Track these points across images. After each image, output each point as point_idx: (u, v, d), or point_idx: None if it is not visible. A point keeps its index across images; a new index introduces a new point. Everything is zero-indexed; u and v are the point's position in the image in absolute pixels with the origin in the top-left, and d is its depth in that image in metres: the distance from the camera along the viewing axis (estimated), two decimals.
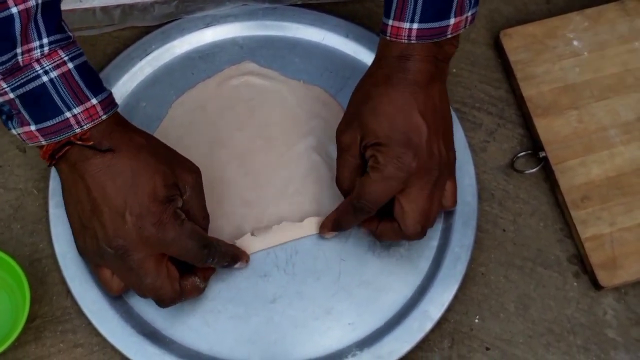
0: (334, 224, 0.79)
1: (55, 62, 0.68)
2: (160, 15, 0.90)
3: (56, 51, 0.68)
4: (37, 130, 0.69)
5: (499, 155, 0.88)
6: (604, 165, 0.86)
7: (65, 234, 0.80)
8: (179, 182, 0.73)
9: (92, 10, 0.88)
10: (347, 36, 0.91)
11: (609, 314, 0.82)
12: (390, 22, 0.72)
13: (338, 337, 0.78)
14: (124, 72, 0.88)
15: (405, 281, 0.80)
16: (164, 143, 0.76)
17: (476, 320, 0.81)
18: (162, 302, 0.73)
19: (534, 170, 0.87)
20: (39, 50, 0.67)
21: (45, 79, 0.68)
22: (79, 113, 0.69)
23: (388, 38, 0.73)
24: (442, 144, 0.74)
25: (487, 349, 0.80)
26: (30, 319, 0.78)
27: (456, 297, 0.80)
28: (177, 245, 0.72)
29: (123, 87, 0.87)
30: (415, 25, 0.71)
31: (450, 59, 0.76)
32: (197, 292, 0.76)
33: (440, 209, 0.77)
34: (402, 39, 0.72)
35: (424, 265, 0.81)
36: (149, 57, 0.89)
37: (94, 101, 0.69)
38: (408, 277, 0.81)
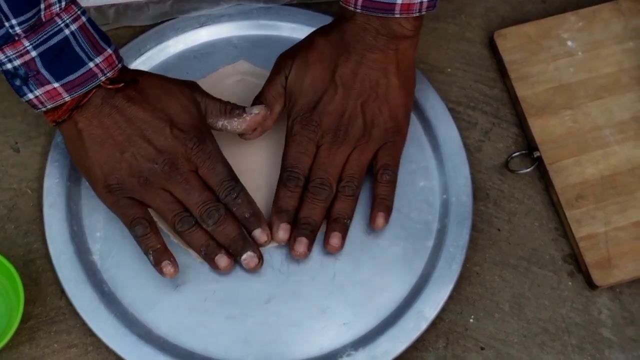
0: (278, 215, 0.79)
1: (72, 15, 0.71)
2: (155, 14, 0.90)
3: (70, 5, 0.71)
4: (62, 86, 0.71)
5: (493, 155, 0.88)
6: (598, 164, 0.86)
7: (60, 234, 0.80)
8: (196, 94, 0.79)
9: (87, 9, 0.88)
10: None
11: (603, 313, 0.82)
12: None
13: (333, 337, 0.78)
14: None
15: (400, 281, 0.80)
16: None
17: (471, 320, 0.81)
18: (210, 218, 0.76)
19: (528, 170, 0.87)
20: (57, 5, 0.70)
21: (67, 32, 0.71)
22: (100, 62, 0.72)
23: (341, 2, 0.78)
24: (359, 109, 0.79)
25: (482, 348, 0.81)
26: (24, 319, 0.78)
27: (451, 297, 0.80)
28: (211, 163, 0.76)
29: None
30: None
31: (404, 41, 0.79)
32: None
33: (364, 162, 0.80)
34: (349, 5, 0.77)
35: (419, 264, 0.81)
36: (143, 57, 0.89)
37: (110, 50, 0.74)
38: (403, 277, 0.81)
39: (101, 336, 0.77)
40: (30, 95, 0.71)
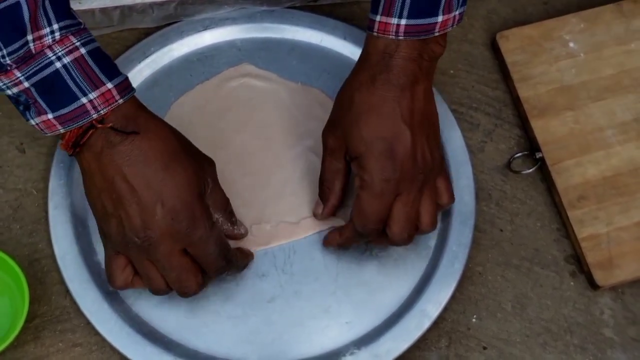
0: (340, 244, 0.79)
1: (67, 47, 0.68)
2: (159, 17, 0.91)
3: (67, 37, 0.68)
4: (55, 118, 0.68)
5: (496, 156, 0.89)
6: (600, 165, 0.86)
7: (65, 234, 0.81)
8: (204, 173, 0.73)
9: (91, 11, 0.89)
10: (345, 38, 0.91)
11: (605, 313, 0.82)
12: (378, 17, 0.72)
13: (335, 336, 0.78)
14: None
15: (402, 280, 0.81)
16: (181, 134, 0.75)
17: (473, 320, 0.82)
18: (186, 292, 0.73)
19: (530, 170, 0.87)
20: (50, 37, 0.67)
21: (58, 65, 0.67)
22: (95, 98, 0.68)
23: (375, 34, 0.73)
24: (426, 148, 0.74)
25: (485, 348, 0.81)
26: (29, 318, 0.78)
27: (453, 297, 0.80)
28: (202, 245, 0.71)
29: None
30: (403, 21, 0.71)
31: (437, 60, 0.75)
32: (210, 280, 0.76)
33: (436, 208, 0.76)
34: (389, 34, 0.72)
35: (422, 264, 0.82)
36: (148, 60, 0.90)
37: (110, 85, 0.69)
38: (405, 277, 0.81)
39: (105, 335, 0.77)
40: (32, 122, 0.70)
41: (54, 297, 0.81)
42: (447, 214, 0.83)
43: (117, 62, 0.88)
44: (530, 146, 0.89)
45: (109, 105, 0.69)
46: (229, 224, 0.77)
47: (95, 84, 0.68)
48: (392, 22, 0.71)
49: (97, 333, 0.78)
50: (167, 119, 0.86)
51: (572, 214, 0.84)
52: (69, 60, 0.67)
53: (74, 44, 0.68)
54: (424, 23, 0.71)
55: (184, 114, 0.87)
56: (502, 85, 0.92)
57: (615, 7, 0.93)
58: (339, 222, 0.82)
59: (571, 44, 0.92)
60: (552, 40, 0.92)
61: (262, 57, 0.91)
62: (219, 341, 0.78)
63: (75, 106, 0.68)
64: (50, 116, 0.68)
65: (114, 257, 0.73)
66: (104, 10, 0.89)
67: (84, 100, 0.68)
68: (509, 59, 0.91)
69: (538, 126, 0.88)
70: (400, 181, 0.72)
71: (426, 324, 0.78)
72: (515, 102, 0.91)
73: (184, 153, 0.72)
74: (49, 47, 0.67)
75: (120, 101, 0.69)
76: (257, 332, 0.78)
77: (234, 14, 0.92)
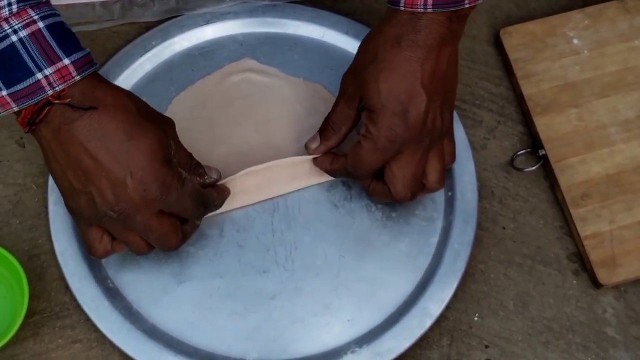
0: (325, 171, 0.80)
1: (24, 20, 0.65)
2: (160, 11, 0.90)
3: (25, 10, 0.65)
4: (9, 94, 0.66)
5: (498, 153, 0.88)
6: (604, 163, 0.86)
7: (65, 229, 0.80)
8: (167, 136, 0.72)
9: (92, 5, 0.88)
10: (347, 33, 0.91)
11: (608, 312, 0.82)
12: None
13: (337, 333, 0.78)
14: (123, 68, 0.88)
15: (404, 278, 0.80)
16: (140, 98, 0.73)
17: (475, 318, 0.81)
18: (168, 249, 0.74)
19: (533, 168, 0.87)
20: (7, 9, 0.65)
21: (14, 38, 0.65)
22: (50, 74, 0.65)
23: (402, 8, 0.71)
24: (438, 112, 0.74)
25: (486, 346, 0.80)
26: (29, 314, 0.77)
27: (455, 295, 0.80)
28: (178, 205, 0.71)
29: (123, 83, 0.87)
30: None
31: (466, 19, 0.74)
32: (195, 229, 0.77)
33: (444, 167, 0.77)
34: (417, 7, 0.70)
35: (424, 262, 0.81)
36: (149, 54, 0.89)
37: (67, 61, 0.66)
38: (407, 274, 0.81)
39: (105, 332, 0.77)
40: None
41: (54, 293, 0.80)
42: (449, 211, 0.83)
43: (118, 56, 0.88)
44: (533, 143, 0.88)
45: (65, 81, 0.66)
46: (198, 178, 0.76)
47: (52, 59, 0.66)
48: None
49: (96, 329, 0.77)
50: (168, 114, 0.85)
51: (575, 212, 0.84)
52: (25, 33, 0.65)
53: (31, 17, 0.65)
54: None
55: (185, 109, 0.87)
56: (505, 81, 0.91)
57: (620, 3, 0.93)
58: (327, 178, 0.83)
59: (575, 41, 0.91)
60: (555, 37, 0.91)
61: (263, 52, 0.90)
62: (219, 338, 0.78)
63: (31, 82, 0.65)
64: (4, 93, 0.66)
65: (88, 229, 0.73)
66: (104, 4, 0.89)
67: (39, 75, 0.65)
68: (512, 55, 0.90)
69: (541, 123, 0.87)
70: (404, 142, 0.73)
71: (428, 322, 0.78)
72: (519, 98, 0.90)
73: (144, 120, 0.70)
74: (5, 19, 0.65)
75: (77, 77, 0.67)
76: (258, 329, 0.78)
77: (236, 8, 0.91)
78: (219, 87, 0.88)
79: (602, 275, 0.81)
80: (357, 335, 0.78)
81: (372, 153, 0.74)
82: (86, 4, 0.88)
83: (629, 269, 0.82)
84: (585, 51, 0.91)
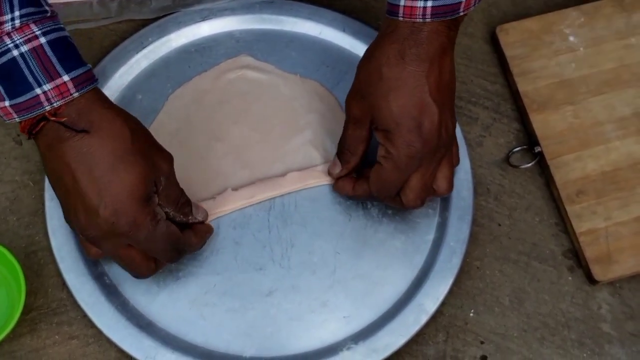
0: (346, 195, 0.81)
1: (26, 35, 0.66)
2: (157, 8, 0.90)
3: (28, 25, 0.66)
4: (11, 106, 0.67)
5: (494, 150, 0.88)
6: (599, 160, 0.86)
7: (62, 226, 0.80)
8: (156, 172, 0.71)
9: (89, 3, 0.88)
10: (344, 30, 0.91)
11: (603, 308, 0.83)
12: (402, 1, 0.71)
13: (333, 330, 0.78)
14: (120, 64, 0.88)
15: (400, 275, 0.81)
16: (142, 125, 0.73)
17: (471, 314, 0.82)
18: (138, 277, 0.75)
19: (529, 165, 0.87)
20: (9, 24, 0.66)
21: (15, 53, 0.66)
22: (49, 90, 0.66)
23: (401, 19, 0.72)
24: (450, 121, 0.75)
25: (482, 342, 0.81)
26: (26, 311, 0.78)
27: (451, 291, 0.80)
28: (147, 244, 0.71)
29: (119, 80, 0.87)
30: (429, 3, 0.70)
31: (460, 24, 0.75)
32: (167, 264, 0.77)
33: (453, 173, 0.78)
34: (416, 17, 0.71)
35: (420, 259, 0.81)
36: (145, 50, 0.89)
37: (66, 78, 0.67)
38: (403, 271, 0.81)
39: (102, 328, 0.77)
40: None
41: (51, 289, 0.80)
42: (445, 208, 0.83)
43: (114, 53, 0.88)
44: (529, 140, 0.88)
45: (63, 98, 0.67)
46: (182, 216, 0.75)
47: (51, 75, 0.67)
48: (418, 5, 0.71)
49: (93, 326, 0.77)
50: (164, 111, 0.87)
51: (571, 209, 0.84)
52: (26, 49, 0.66)
53: (33, 32, 0.66)
54: (450, 3, 0.71)
55: (181, 106, 0.87)
56: (501, 79, 0.92)
57: (616, 1, 0.93)
58: (329, 178, 0.83)
59: (571, 38, 0.91)
60: (552, 34, 0.91)
61: (260, 49, 0.90)
62: (216, 334, 0.78)
63: (30, 96, 0.67)
64: (7, 103, 0.67)
65: (81, 239, 0.74)
66: (102, 2, 0.89)
67: (38, 91, 0.66)
68: (508, 52, 0.91)
69: (537, 120, 0.88)
70: (423, 157, 0.74)
71: (424, 318, 0.78)
72: (515, 96, 0.90)
73: (134, 153, 0.69)
74: (8, 34, 0.66)
75: (76, 94, 0.67)
76: (255, 326, 0.78)
77: (233, 4, 0.91)
78: (216, 84, 0.88)
79: (597, 272, 0.82)
80: (354, 332, 0.78)
81: (394, 173, 0.74)
82: (83, 2, 0.88)
83: (624, 265, 0.82)
84: (581, 48, 0.91)
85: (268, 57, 0.90)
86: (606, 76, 0.90)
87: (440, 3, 0.70)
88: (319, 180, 0.83)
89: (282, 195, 0.83)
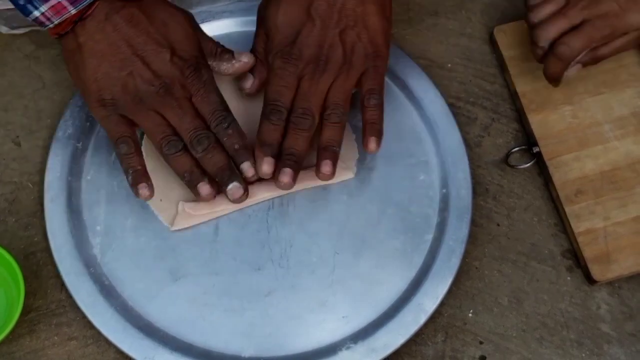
0: (262, 149, 0.79)
1: None
2: None
3: None
4: None
5: (493, 150, 0.88)
6: (598, 160, 0.86)
7: (61, 227, 0.80)
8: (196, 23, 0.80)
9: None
10: None
11: (602, 308, 0.82)
12: None
13: (332, 329, 0.78)
14: None
15: (399, 274, 0.81)
16: None
17: (470, 314, 0.82)
18: (201, 140, 0.77)
19: (528, 165, 0.87)
20: None
21: None
22: None
23: None
24: (338, 38, 0.79)
25: (481, 342, 0.81)
26: (25, 312, 0.78)
27: (450, 291, 0.80)
28: (205, 89, 0.77)
29: None
30: None
31: None
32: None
33: (349, 88, 0.80)
34: None
35: (419, 258, 0.81)
36: None
37: None
38: (402, 271, 0.81)
39: (101, 329, 0.77)
40: (37, 13, 0.72)
41: (50, 290, 0.80)
42: (444, 208, 0.83)
43: None
44: (528, 140, 0.89)
45: None
46: (226, 63, 0.82)
47: None
48: None
49: (92, 327, 0.77)
50: None
51: (569, 209, 0.84)
52: None
53: None
54: None
55: None
56: (499, 79, 0.92)
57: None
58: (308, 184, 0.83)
59: None
60: None
61: None
62: (215, 335, 0.78)
63: None
64: None
65: (119, 121, 0.77)
66: None
67: None
68: (506, 53, 0.91)
69: (535, 120, 0.88)
70: (299, 64, 0.79)
71: (423, 318, 0.78)
72: (513, 96, 0.90)
73: (176, 10, 0.79)
74: None
75: None
76: (253, 326, 0.78)
77: (231, 7, 0.92)
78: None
79: (596, 272, 0.82)
80: (353, 332, 0.78)
81: (272, 81, 0.79)
82: None
83: (623, 265, 0.82)
84: None
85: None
86: (604, 76, 0.90)
87: None
88: (317, 181, 0.83)
89: (280, 196, 0.83)
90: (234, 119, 0.79)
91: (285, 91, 0.79)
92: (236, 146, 0.78)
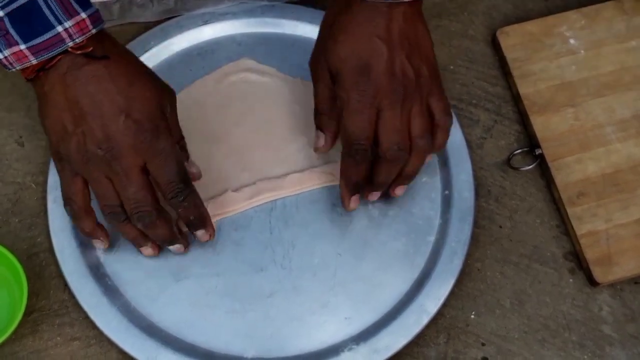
0: (348, 188, 0.79)
1: None
2: (159, 11, 0.91)
3: None
4: (28, 48, 0.69)
5: (495, 152, 0.88)
6: (600, 162, 0.86)
7: (64, 228, 0.81)
8: (165, 95, 0.75)
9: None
10: None
11: (604, 310, 0.82)
12: None
13: (334, 331, 0.78)
14: None
15: (401, 276, 0.81)
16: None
17: (472, 316, 0.82)
18: (140, 217, 0.73)
19: (530, 167, 0.87)
20: None
21: None
22: (70, 27, 0.69)
23: None
24: (407, 63, 0.74)
25: (483, 344, 0.81)
26: (28, 312, 0.78)
27: (452, 293, 0.80)
28: (162, 158, 0.72)
29: None
30: None
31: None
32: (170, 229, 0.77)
33: (428, 122, 0.76)
34: None
35: (421, 260, 0.82)
36: (147, 54, 0.90)
37: (84, 15, 0.70)
38: (404, 272, 0.81)
39: (104, 329, 0.77)
40: (0, 55, 0.70)
41: (53, 290, 0.80)
42: (446, 209, 0.83)
43: None
44: (530, 143, 0.89)
45: (84, 34, 0.70)
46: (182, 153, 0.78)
47: (70, 13, 0.69)
48: None
49: (95, 327, 0.78)
50: None
51: (572, 211, 0.84)
52: None
53: None
54: None
55: (183, 109, 0.86)
56: (502, 81, 0.92)
57: (616, 4, 0.93)
58: (329, 178, 0.83)
59: (572, 41, 0.92)
60: (552, 37, 0.92)
61: (262, 52, 0.91)
62: (217, 335, 0.78)
63: (51, 35, 0.69)
64: (22, 47, 0.69)
65: (71, 179, 0.74)
66: (104, 4, 0.89)
67: (59, 28, 0.69)
68: (509, 55, 0.91)
69: (538, 122, 0.88)
70: (377, 96, 0.74)
71: (425, 320, 0.78)
72: (515, 98, 0.91)
73: (148, 75, 0.75)
74: None
75: (94, 31, 0.71)
76: (255, 327, 0.78)
77: (234, 8, 0.92)
78: (217, 87, 0.89)
79: (598, 274, 0.82)
80: (355, 333, 0.78)
81: (351, 117, 0.74)
82: None
83: (625, 267, 0.82)
84: (582, 51, 0.91)
85: (270, 60, 0.90)
86: (607, 79, 0.90)
87: None
88: (319, 181, 0.83)
89: (283, 197, 0.83)
90: (191, 191, 0.74)
91: (367, 127, 0.74)
92: (191, 217, 0.76)
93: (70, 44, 0.69)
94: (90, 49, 0.70)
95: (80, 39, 0.70)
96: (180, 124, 0.85)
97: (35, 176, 0.85)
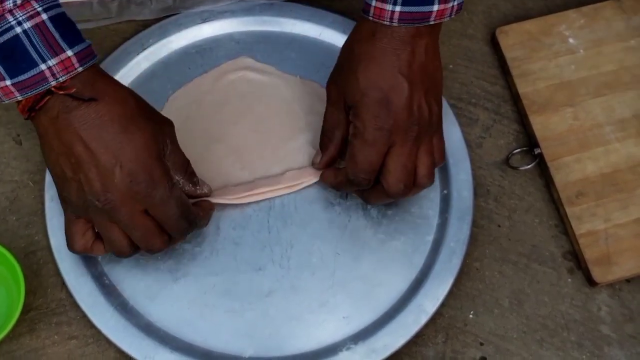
0: (331, 186, 0.81)
1: (28, 12, 0.66)
2: (158, 9, 0.91)
3: (29, 2, 0.66)
4: (13, 84, 0.67)
5: (494, 151, 0.88)
6: (599, 161, 0.86)
7: (61, 226, 0.79)
8: (163, 134, 0.73)
9: (89, 3, 0.88)
10: (343, 32, 0.91)
11: (603, 310, 0.82)
12: (374, 2, 0.72)
13: (333, 330, 0.78)
14: (120, 66, 0.88)
15: (400, 275, 0.81)
16: (141, 97, 0.74)
17: (470, 316, 0.82)
18: (152, 250, 0.73)
19: (529, 166, 0.87)
20: (11, 1, 0.66)
21: (18, 30, 0.66)
22: (54, 65, 0.67)
23: (370, 18, 0.73)
24: (424, 101, 0.74)
25: (481, 344, 0.81)
26: (25, 310, 0.78)
27: (451, 292, 0.80)
28: (162, 206, 0.71)
29: (120, 81, 0.87)
30: (397, 8, 0.71)
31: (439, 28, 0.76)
32: (182, 239, 0.76)
33: (433, 162, 0.77)
34: (384, 20, 0.72)
35: (419, 259, 0.81)
36: (146, 52, 0.89)
37: (70, 53, 0.67)
38: (403, 272, 0.81)
39: (101, 328, 0.77)
40: None
41: (50, 289, 0.80)
42: (445, 209, 0.83)
43: (115, 54, 0.89)
44: (529, 142, 0.88)
45: (68, 73, 0.67)
46: (190, 185, 0.77)
47: (55, 51, 0.67)
48: (387, 8, 0.71)
49: (92, 326, 0.77)
50: (164, 112, 0.86)
51: (570, 210, 0.84)
52: (29, 25, 0.66)
53: (35, 9, 0.66)
54: (419, 11, 0.71)
55: (181, 107, 0.87)
56: (501, 80, 0.92)
57: (616, 3, 0.93)
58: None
59: (571, 40, 0.92)
60: (551, 36, 0.92)
61: (260, 50, 0.90)
62: (215, 335, 0.78)
63: (34, 73, 0.67)
64: (7, 82, 0.67)
65: (74, 220, 0.73)
66: (102, 2, 0.89)
67: (42, 67, 0.67)
68: (508, 54, 0.91)
69: (537, 122, 0.88)
70: (393, 131, 0.73)
71: (423, 319, 0.78)
72: (515, 97, 0.90)
73: (141, 116, 0.71)
74: (10, 11, 0.66)
75: (80, 69, 0.68)
76: (254, 326, 0.78)
77: (233, 6, 0.92)
78: (216, 86, 0.89)
79: (597, 274, 0.82)
80: (353, 332, 0.78)
81: (364, 148, 0.74)
82: (84, 2, 0.88)
83: (623, 267, 0.82)
84: (581, 50, 0.91)
85: (268, 58, 0.90)
86: (606, 78, 0.90)
87: (409, 9, 0.71)
88: (316, 176, 0.83)
89: (281, 196, 0.83)
90: (195, 224, 0.75)
91: (375, 161, 0.74)
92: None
93: (54, 82, 0.67)
94: (74, 90, 0.68)
95: (63, 77, 0.67)
96: (179, 122, 0.85)
97: (32, 175, 0.85)
